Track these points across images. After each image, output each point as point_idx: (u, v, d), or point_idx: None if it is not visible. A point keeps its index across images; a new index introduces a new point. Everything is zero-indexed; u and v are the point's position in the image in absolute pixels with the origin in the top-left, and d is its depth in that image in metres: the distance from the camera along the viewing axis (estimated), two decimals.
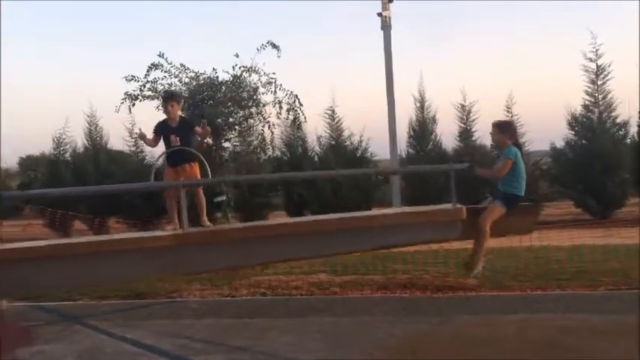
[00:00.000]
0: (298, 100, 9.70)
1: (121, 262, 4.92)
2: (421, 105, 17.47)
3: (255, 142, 10.27)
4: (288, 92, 9.64)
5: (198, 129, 5.74)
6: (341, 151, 17.30)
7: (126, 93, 9.22)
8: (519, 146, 5.20)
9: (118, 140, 19.25)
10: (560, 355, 4.79)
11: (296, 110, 9.73)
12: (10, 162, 27.32)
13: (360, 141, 17.47)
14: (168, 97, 5.98)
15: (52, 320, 6.64)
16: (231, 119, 9.87)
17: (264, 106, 10.04)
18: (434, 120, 17.44)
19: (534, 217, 5.42)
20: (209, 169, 5.71)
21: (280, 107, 9.94)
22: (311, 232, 5.21)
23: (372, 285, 7.71)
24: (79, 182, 17.54)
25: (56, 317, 6.78)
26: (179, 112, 5.89)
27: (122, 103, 9.41)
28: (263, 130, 10.52)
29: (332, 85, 40.07)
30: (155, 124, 5.88)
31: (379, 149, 19.69)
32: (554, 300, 6.68)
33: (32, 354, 5.34)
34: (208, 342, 5.53)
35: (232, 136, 10.04)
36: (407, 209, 5.52)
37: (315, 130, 17.61)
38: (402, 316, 6.15)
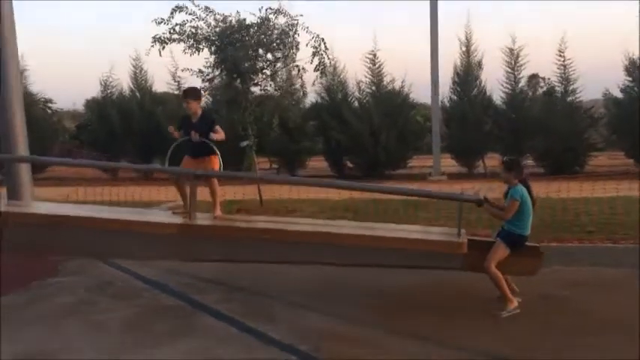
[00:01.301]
0: (324, 43, 9.48)
1: (135, 242, 5.32)
2: (467, 49, 16.82)
3: (284, 86, 10.19)
4: (314, 35, 9.42)
5: (216, 129, 5.74)
6: (381, 97, 17.00)
7: (154, 37, 9.27)
8: (526, 184, 4.87)
9: (161, 83, 19.53)
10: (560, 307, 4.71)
11: (321, 54, 9.52)
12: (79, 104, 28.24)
13: (402, 87, 17.13)
14: (185, 95, 5.98)
15: (78, 255, 7.00)
16: (260, 63, 9.79)
17: (293, 49, 9.86)
18: (479, 65, 16.82)
19: (539, 260, 5.04)
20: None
21: (314, 54, 9.72)
22: (320, 242, 5.08)
23: None
24: (124, 123, 18.12)
25: (82, 253, 7.13)
26: (199, 108, 5.90)
27: (152, 46, 9.49)
28: (294, 74, 10.41)
29: (374, 28, 38.76)
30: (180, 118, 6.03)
31: (421, 95, 19.30)
32: (567, 253, 6.52)
33: (51, 284, 5.70)
34: (212, 281, 5.73)
35: (260, 80, 9.96)
36: (410, 234, 5.31)
37: (355, 74, 17.38)
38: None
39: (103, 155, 16.36)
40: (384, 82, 17.11)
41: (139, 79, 18.96)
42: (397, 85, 17.15)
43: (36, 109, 19.39)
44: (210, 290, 5.45)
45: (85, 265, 6.46)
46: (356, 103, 17.33)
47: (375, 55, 17.00)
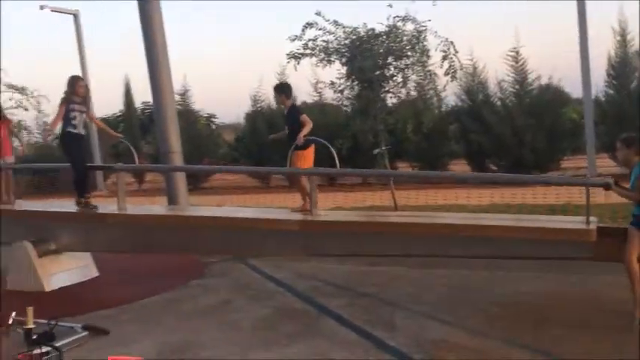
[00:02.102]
0: (453, 47, 9.35)
1: (263, 240, 5.82)
2: (622, 38, 15.35)
3: (413, 92, 10.22)
4: (443, 39, 9.33)
5: (301, 119, 6.18)
6: (525, 96, 16.15)
7: (288, 53, 9.84)
8: None
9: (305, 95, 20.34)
10: None
11: (451, 58, 9.40)
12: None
13: (549, 83, 16.11)
14: (274, 90, 6.70)
15: (224, 259, 7.65)
16: (388, 71, 9.93)
17: (423, 54, 9.86)
18: (639, 55, 15.23)
19: None
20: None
21: (445, 58, 9.66)
22: (425, 233, 5.22)
23: None
24: (272, 133, 19.20)
25: (228, 256, 7.79)
26: (288, 103, 6.42)
27: (288, 62, 10.08)
28: (425, 80, 10.38)
29: (515, 24, 36.53)
30: None
31: (573, 91, 17.99)
32: None
33: (196, 285, 6.35)
34: (339, 286, 5.97)
35: (391, 87, 10.09)
36: (530, 222, 5.12)
37: (495, 74, 16.69)
38: (539, 273, 5.86)
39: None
40: (529, 80, 16.24)
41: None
42: (543, 81, 16.20)
43: (199, 124, 21.42)
44: (337, 295, 5.68)
45: (228, 268, 7.08)
46: (498, 103, 16.66)
47: (517, 52, 16.21)
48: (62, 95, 6.54)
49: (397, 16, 9.58)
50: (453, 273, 6.14)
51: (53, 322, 4.56)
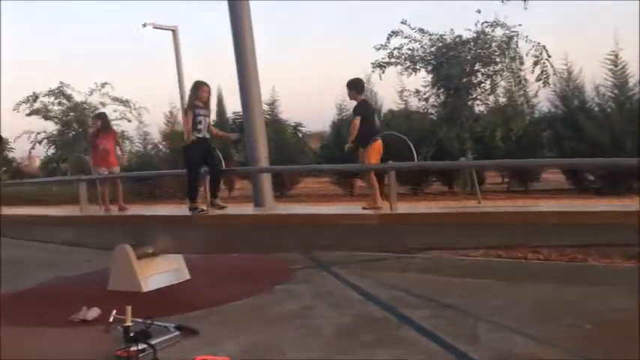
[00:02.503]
0: (546, 51, 8.99)
1: (347, 234, 5.95)
2: None
3: (502, 99, 9.94)
4: (535, 44, 9.01)
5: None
6: (626, 102, 15.19)
7: (373, 62, 9.90)
8: None
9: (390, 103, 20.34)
10: None
11: (544, 63, 9.05)
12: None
13: None
14: (347, 86, 6.66)
15: (309, 265, 7.81)
16: (476, 78, 9.73)
17: (514, 60, 9.58)
18: None
19: None
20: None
21: (536, 64, 9.36)
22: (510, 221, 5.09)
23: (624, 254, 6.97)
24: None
25: (312, 263, 7.93)
26: (357, 99, 6.51)
27: (372, 71, 10.14)
28: (515, 86, 10.08)
29: (614, 25, 34.17)
30: None
31: None
32: None
33: (281, 290, 6.52)
34: (422, 297, 5.91)
35: (479, 94, 9.87)
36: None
37: (593, 78, 15.84)
38: (632, 288, 5.51)
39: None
40: (629, 85, 15.27)
41: (370, 101, 20.07)
42: None
43: (286, 133, 21.97)
44: (420, 305, 5.64)
45: (312, 275, 7.22)
46: (596, 109, 15.80)
47: (616, 56, 15.32)
48: (187, 102, 6.81)
49: (486, 22, 9.39)
50: (542, 287, 5.91)
51: (149, 322, 4.88)
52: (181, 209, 7.77)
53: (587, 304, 5.28)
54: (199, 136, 6.65)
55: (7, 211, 10.11)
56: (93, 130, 8.71)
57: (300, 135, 24.24)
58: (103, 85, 17.89)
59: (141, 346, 4.33)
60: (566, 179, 16.40)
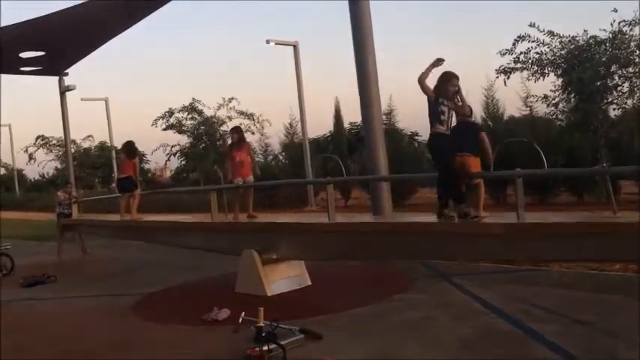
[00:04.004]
0: None
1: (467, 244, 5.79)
2: None
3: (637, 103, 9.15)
4: None
5: None
6: None
7: (497, 69, 9.57)
8: None
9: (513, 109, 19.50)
10: None
11: None
12: None
13: None
14: None
15: (429, 275, 7.69)
16: (612, 81, 9.07)
17: None
18: None
19: None
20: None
21: None
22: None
23: None
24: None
25: (432, 273, 7.80)
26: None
27: (497, 77, 9.80)
28: None
29: None
30: None
31: None
32: None
33: (400, 299, 6.48)
34: (552, 312, 5.59)
35: (615, 97, 9.18)
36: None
37: None
38: None
39: None
40: None
41: (491, 107, 19.42)
42: None
43: (402, 142, 21.86)
44: (549, 320, 5.34)
45: (433, 285, 7.10)
46: None
47: None
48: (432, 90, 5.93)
49: (623, 21, 8.72)
50: None
51: (275, 324, 5.08)
52: (301, 216, 8.00)
53: None
54: (443, 130, 5.93)
55: (146, 217, 11.05)
56: (230, 142, 9.18)
57: (417, 144, 24.01)
58: (230, 100, 18.93)
59: (271, 346, 4.50)
60: None
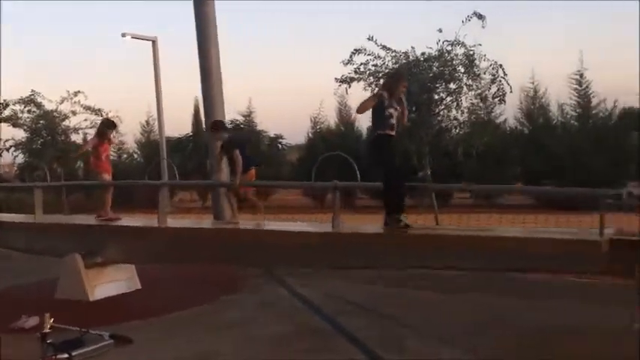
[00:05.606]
0: (502, 70, 9.29)
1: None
2: None
3: (461, 116, 10.18)
4: (492, 63, 9.31)
5: None
6: (586, 121, 15.58)
7: (336, 78, 10.10)
8: None
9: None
10: None
11: (500, 82, 9.35)
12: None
13: (614, 107, 15.47)
14: None
15: (261, 275, 7.78)
16: (437, 95, 9.98)
17: (477, 78, 9.85)
18: None
19: None
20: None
21: (493, 82, 9.64)
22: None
23: None
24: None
25: (264, 273, 7.92)
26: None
27: (339, 85, 10.32)
28: (476, 104, 10.32)
29: (579, 47, 34.86)
30: None
31: None
32: None
33: (226, 300, 6.56)
34: (363, 307, 5.99)
35: (440, 110, 10.12)
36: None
37: (557, 96, 16.23)
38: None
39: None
40: (593, 104, 15.68)
41: (344, 114, 20.37)
42: (609, 105, 15.58)
43: (263, 145, 22.01)
44: (361, 315, 5.71)
45: (262, 284, 7.23)
46: (560, 127, 16.18)
47: (581, 76, 15.73)
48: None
49: (447, 41, 9.63)
50: (485, 299, 6.01)
51: (84, 330, 4.92)
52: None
53: (512, 318, 5.39)
54: (390, 133, 5.75)
55: None
56: (96, 137, 8.36)
57: (280, 147, 24.19)
58: (76, 93, 17.73)
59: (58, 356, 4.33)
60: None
